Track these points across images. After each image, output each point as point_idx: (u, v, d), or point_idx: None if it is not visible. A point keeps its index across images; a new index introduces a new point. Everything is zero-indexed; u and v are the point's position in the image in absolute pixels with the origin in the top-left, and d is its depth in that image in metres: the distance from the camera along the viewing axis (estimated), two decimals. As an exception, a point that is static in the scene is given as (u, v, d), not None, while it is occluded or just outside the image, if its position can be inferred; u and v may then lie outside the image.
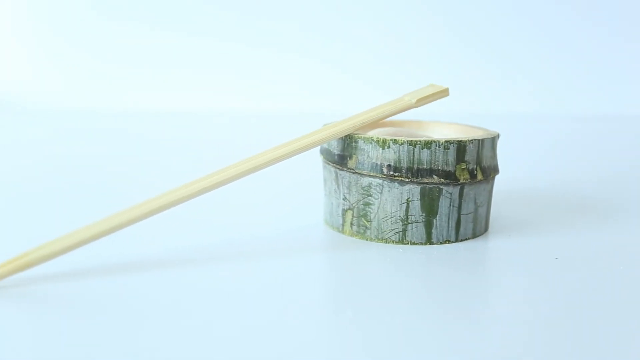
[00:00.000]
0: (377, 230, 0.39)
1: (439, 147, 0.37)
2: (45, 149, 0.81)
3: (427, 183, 0.38)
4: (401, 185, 0.38)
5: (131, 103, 1.28)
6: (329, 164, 0.41)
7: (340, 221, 0.41)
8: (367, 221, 0.39)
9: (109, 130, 1.03)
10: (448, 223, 0.39)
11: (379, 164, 0.38)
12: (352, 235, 0.40)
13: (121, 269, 0.34)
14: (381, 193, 0.38)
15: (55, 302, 0.30)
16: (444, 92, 0.42)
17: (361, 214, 0.39)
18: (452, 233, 0.39)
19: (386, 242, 0.39)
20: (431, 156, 0.37)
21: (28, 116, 1.19)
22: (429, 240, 0.39)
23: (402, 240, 0.39)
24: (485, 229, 0.42)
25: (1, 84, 1.30)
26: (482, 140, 0.39)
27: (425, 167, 0.37)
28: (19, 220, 0.45)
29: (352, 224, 0.40)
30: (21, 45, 1.31)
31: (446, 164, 0.38)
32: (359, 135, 0.39)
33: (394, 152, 0.38)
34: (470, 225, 0.40)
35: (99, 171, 0.65)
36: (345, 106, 1.16)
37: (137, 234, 0.39)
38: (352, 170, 0.39)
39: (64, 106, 1.28)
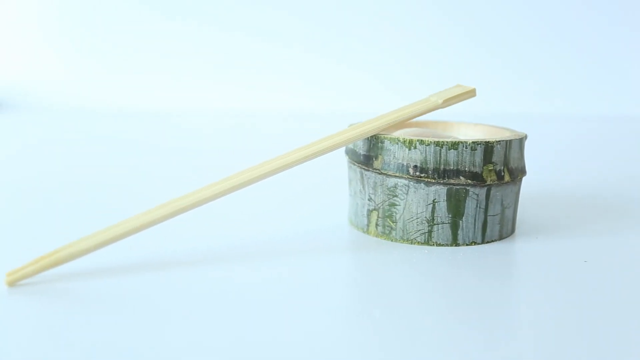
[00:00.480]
0: (403, 231, 0.39)
1: (466, 148, 0.37)
2: (66, 148, 0.82)
3: (453, 184, 0.37)
4: (427, 186, 0.38)
5: (157, 103, 1.29)
6: (354, 164, 0.41)
7: (365, 222, 0.41)
8: (393, 222, 0.39)
9: (140, 129, 1.04)
10: (474, 225, 0.39)
11: (405, 164, 0.38)
12: (377, 236, 0.40)
13: (147, 267, 0.35)
14: (407, 194, 0.38)
15: (82, 298, 0.30)
16: (471, 93, 0.42)
17: (386, 214, 0.39)
18: (479, 235, 0.39)
19: (411, 243, 0.39)
20: (458, 157, 0.37)
21: (45, 115, 1.21)
22: (454, 242, 0.39)
23: (428, 241, 0.39)
24: (512, 231, 0.42)
25: (20, 84, 1.33)
26: (510, 141, 0.39)
27: (452, 168, 0.37)
28: (47, 219, 0.46)
29: (377, 225, 0.40)
30: (42, 46, 1.33)
31: (473, 165, 0.37)
32: (385, 135, 0.39)
33: (421, 153, 0.37)
34: (497, 227, 0.40)
35: (125, 170, 0.66)
36: (371, 106, 1.16)
37: (161, 233, 0.39)
38: (377, 171, 0.39)
39: (79, 105, 1.30)
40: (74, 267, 0.34)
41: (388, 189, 0.39)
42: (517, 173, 0.40)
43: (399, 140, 0.38)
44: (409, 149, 0.38)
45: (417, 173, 0.38)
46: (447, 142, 0.37)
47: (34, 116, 1.20)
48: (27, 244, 0.39)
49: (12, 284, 0.31)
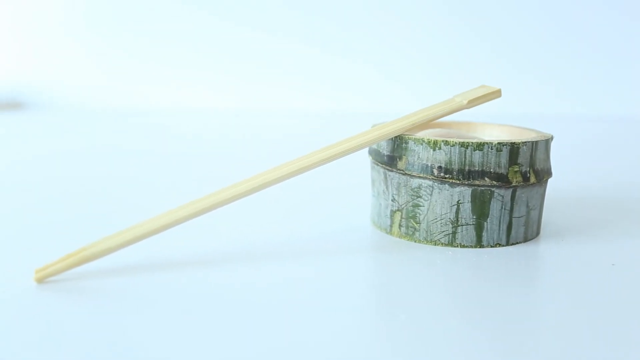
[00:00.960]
0: (426, 232, 0.39)
1: (492, 148, 0.37)
2: (91, 147, 0.83)
3: (478, 185, 0.37)
4: (452, 187, 0.37)
5: (185, 100, 1.30)
6: (377, 165, 0.41)
7: (389, 222, 0.41)
8: (416, 223, 0.39)
9: (162, 128, 1.05)
10: (499, 226, 0.38)
11: (429, 165, 0.38)
12: (400, 236, 0.40)
13: (170, 266, 0.35)
14: (431, 195, 0.38)
15: (105, 296, 0.31)
16: (496, 94, 0.41)
17: (410, 215, 0.39)
18: (503, 236, 0.39)
19: (435, 244, 0.39)
20: (483, 158, 0.37)
21: (68, 115, 1.23)
22: (479, 243, 0.38)
23: (452, 242, 0.38)
24: (537, 233, 0.41)
25: (41, 83, 1.35)
26: (536, 142, 0.38)
27: (477, 169, 0.37)
28: (74, 217, 0.46)
29: (400, 226, 0.40)
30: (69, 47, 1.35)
31: (498, 166, 0.37)
32: (410, 136, 0.38)
33: (445, 154, 0.37)
34: (522, 229, 0.39)
35: (149, 168, 0.67)
36: (393, 107, 1.16)
37: (184, 233, 0.40)
38: (401, 172, 0.39)
39: (106, 104, 1.32)
40: (98, 265, 0.34)
41: (412, 189, 0.39)
42: (542, 174, 0.39)
43: (423, 141, 0.38)
44: (434, 150, 0.37)
45: (442, 174, 0.37)
46: (472, 142, 0.37)
47: (57, 115, 1.22)
48: (55, 242, 0.40)
49: (40, 280, 0.32)
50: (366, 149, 0.45)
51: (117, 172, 0.64)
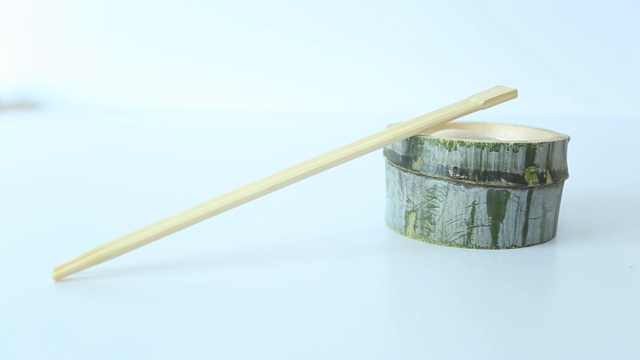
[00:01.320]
0: (441, 233, 0.39)
1: (508, 149, 0.37)
2: (108, 145, 0.84)
3: (494, 186, 0.37)
4: (467, 188, 0.37)
5: (205, 101, 1.31)
6: (392, 165, 0.41)
7: (403, 223, 0.41)
8: (431, 223, 0.39)
9: (184, 125, 1.06)
10: (515, 227, 0.38)
11: (445, 166, 0.37)
12: (415, 237, 0.40)
13: (188, 265, 0.35)
14: (446, 195, 0.38)
15: (125, 294, 0.31)
16: (512, 94, 0.41)
17: (425, 216, 0.39)
18: (519, 238, 0.38)
19: (450, 245, 0.38)
20: (499, 159, 0.37)
21: (85, 113, 1.24)
22: (494, 245, 0.38)
23: (467, 243, 0.38)
24: (553, 235, 0.41)
25: (59, 84, 1.36)
26: (553, 143, 0.38)
27: (492, 170, 0.37)
28: (91, 215, 0.47)
29: (415, 226, 0.40)
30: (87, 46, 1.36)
31: (515, 167, 0.37)
32: (425, 136, 0.38)
33: (461, 155, 0.37)
34: (538, 231, 0.39)
35: (169, 166, 0.67)
36: (407, 107, 1.16)
37: (198, 232, 0.40)
38: (416, 172, 0.39)
39: (121, 104, 1.33)
40: (116, 264, 0.35)
41: (427, 190, 0.38)
42: (559, 176, 0.39)
43: (438, 142, 0.38)
44: (449, 151, 0.37)
45: (457, 175, 0.37)
46: (488, 143, 0.37)
47: (72, 115, 1.23)
48: (72, 241, 0.40)
49: (58, 278, 0.32)
50: (381, 149, 0.44)
51: (133, 172, 0.65)
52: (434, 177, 0.38)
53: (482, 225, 0.38)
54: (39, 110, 1.30)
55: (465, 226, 0.38)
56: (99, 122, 1.11)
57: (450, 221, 0.38)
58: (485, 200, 0.37)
